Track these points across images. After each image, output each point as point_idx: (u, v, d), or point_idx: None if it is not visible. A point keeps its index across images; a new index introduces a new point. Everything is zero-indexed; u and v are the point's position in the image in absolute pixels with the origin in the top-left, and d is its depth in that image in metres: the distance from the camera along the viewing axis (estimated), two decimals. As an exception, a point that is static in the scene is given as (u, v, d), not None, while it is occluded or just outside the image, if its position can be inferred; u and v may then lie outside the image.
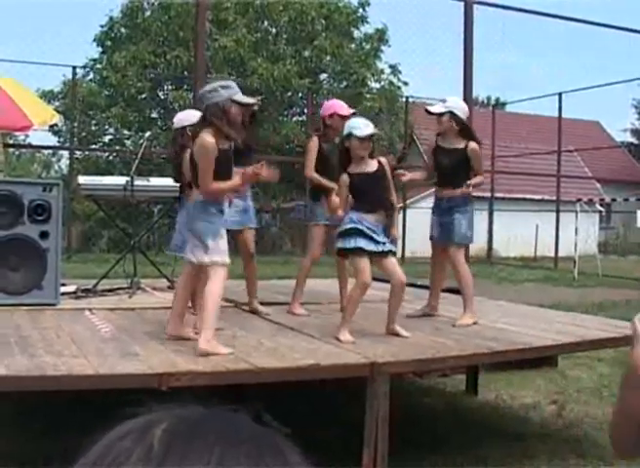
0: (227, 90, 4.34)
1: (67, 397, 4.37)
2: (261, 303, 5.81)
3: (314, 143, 5.96)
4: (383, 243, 4.80)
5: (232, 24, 23.14)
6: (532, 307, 6.91)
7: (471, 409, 5.81)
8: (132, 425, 0.61)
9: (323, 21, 24.45)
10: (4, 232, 5.48)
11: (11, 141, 11.00)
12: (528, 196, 27.55)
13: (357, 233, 4.75)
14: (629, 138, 40.73)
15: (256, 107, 5.56)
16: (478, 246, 17.18)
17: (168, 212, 10.01)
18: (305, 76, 23.98)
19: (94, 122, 24.81)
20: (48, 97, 22.66)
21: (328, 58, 25.00)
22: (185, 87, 23.01)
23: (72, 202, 18.89)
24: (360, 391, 3.99)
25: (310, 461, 0.62)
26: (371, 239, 4.74)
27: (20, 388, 3.67)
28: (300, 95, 24.83)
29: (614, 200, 21.09)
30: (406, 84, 25.72)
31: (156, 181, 7.12)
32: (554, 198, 21.44)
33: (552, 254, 21.29)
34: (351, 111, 5.97)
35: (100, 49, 24.96)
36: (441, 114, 5.54)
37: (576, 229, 16.79)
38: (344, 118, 5.76)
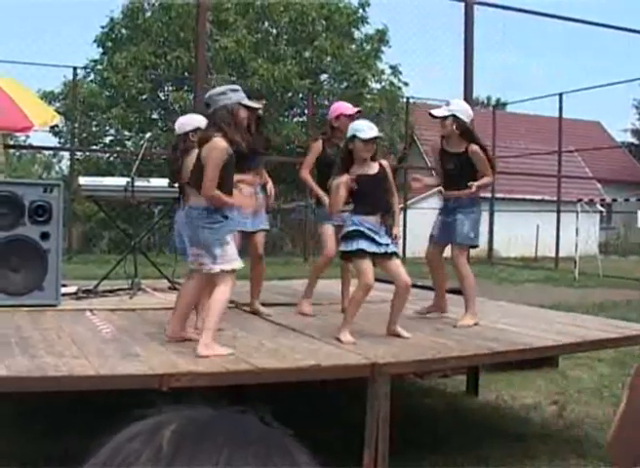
0: (236, 93, 4.36)
1: (68, 398, 4.37)
2: (262, 304, 5.81)
3: (317, 146, 5.97)
4: (386, 244, 4.80)
5: (233, 25, 23.15)
6: (532, 308, 6.91)
7: (472, 409, 5.81)
8: (141, 427, 0.61)
9: (323, 22, 24.46)
10: (5, 233, 5.48)
11: (12, 142, 11.00)
12: (528, 196, 27.55)
13: (358, 235, 4.75)
14: (630, 139, 40.72)
15: (260, 112, 5.58)
16: (479, 246, 17.11)
17: (168, 212, 10.02)
18: (306, 77, 23.98)
19: (94, 123, 24.82)
20: (48, 97, 22.67)
21: (328, 58, 25.01)
22: (186, 88, 23.01)
23: (73, 203, 18.90)
24: (361, 392, 3.99)
25: (318, 462, 0.62)
26: (372, 240, 4.74)
27: (20, 389, 3.67)
28: (300, 95, 24.84)
29: (614, 200, 21.08)
30: (406, 84, 25.75)
31: (157, 182, 7.11)
32: (555, 198, 21.44)
33: (553, 255, 21.29)
34: (357, 109, 6.00)
35: (100, 50, 25.01)
36: (444, 118, 5.52)
37: (576, 229, 16.78)
38: (351, 117, 5.78)
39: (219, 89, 4.50)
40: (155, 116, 25.61)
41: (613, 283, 15.50)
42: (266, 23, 24.94)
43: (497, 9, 9.54)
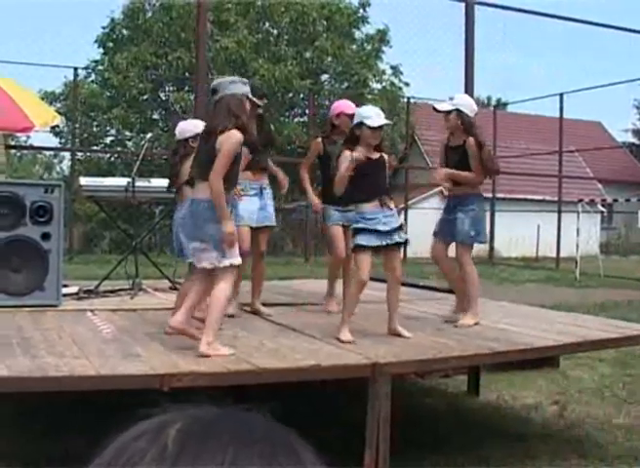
0: (245, 86, 4.37)
1: (69, 398, 4.38)
2: (263, 304, 5.82)
3: (316, 144, 6.01)
4: (390, 234, 4.77)
5: (234, 26, 23.16)
6: (533, 308, 6.90)
7: (473, 409, 5.81)
8: (146, 426, 0.61)
9: (324, 22, 24.49)
10: (6, 233, 5.48)
11: (13, 143, 11.01)
12: (529, 196, 27.56)
13: (358, 231, 4.76)
14: (631, 139, 40.73)
15: (260, 110, 5.59)
16: (479, 246, 17.12)
17: (169, 213, 10.02)
18: (307, 77, 24.00)
19: (95, 123, 24.85)
20: (49, 98, 22.71)
21: (329, 58, 25.03)
22: (187, 88, 23.03)
23: (74, 203, 18.91)
24: (362, 391, 3.99)
25: (323, 460, 0.62)
26: (374, 231, 4.72)
27: (21, 389, 3.67)
28: (301, 96, 24.86)
29: (615, 200, 21.08)
30: (407, 85, 25.78)
31: (157, 182, 7.11)
32: (556, 198, 21.44)
33: (554, 255, 21.28)
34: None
35: (101, 50, 25.03)
36: (448, 112, 5.51)
37: (577, 230, 16.78)
38: (352, 117, 5.79)
39: (229, 78, 4.50)
40: (156, 116, 25.64)
41: (614, 283, 15.50)
42: (267, 24, 24.96)
43: (497, 9, 9.55)
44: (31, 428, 4.78)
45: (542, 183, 25.26)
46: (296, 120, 25.62)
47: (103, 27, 24.67)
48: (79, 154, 23.10)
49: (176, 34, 23.32)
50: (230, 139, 4.12)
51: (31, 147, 21.33)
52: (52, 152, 35.05)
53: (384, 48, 25.58)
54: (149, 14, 24.24)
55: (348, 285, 5.75)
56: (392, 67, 25.69)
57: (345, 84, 25.61)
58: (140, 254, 7.03)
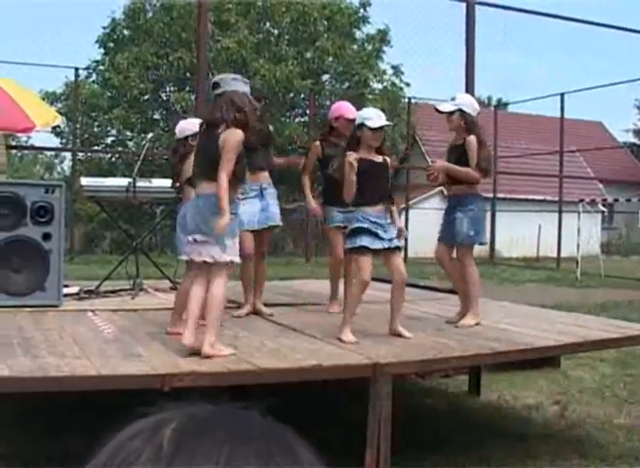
0: (246, 85, 4.37)
1: (69, 398, 4.38)
2: (264, 304, 5.82)
3: (315, 148, 6.00)
4: (390, 239, 4.79)
5: (234, 26, 23.17)
6: (534, 308, 6.90)
7: (474, 409, 5.81)
8: (142, 425, 0.61)
9: (325, 22, 24.49)
10: (6, 234, 5.48)
11: (13, 143, 11.02)
12: (530, 196, 27.56)
13: (362, 232, 4.74)
14: (632, 139, 40.72)
15: (258, 112, 5.57)
16: (480, 246, 17.11)
17: (170, 213, 10.02)
18: (308, 77, 24.00)
19: (96, 123, 24.87)
20: (50, 98, 22.73)
21: (330, 58, 25.03)
22: (188, 88, 23.04)
23: (75, 203, 18.92)
24: (363, 391, 4.00)
25: (321, 458, 0.62)
26: (376, 236, 4.73)
27: (22, 389, 3.67)
28: (302, 96, 24.86)
29: (616, 200, 21.08)
30: (408, 85, 25.78)
31: (158, 183, 7.12)
32: (557, 198, 21.43)
33: (555, 255, 21.28)
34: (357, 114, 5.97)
35: (102, 50, 25.02)
36: (451, 112, 5.50)
37: (578, 230, 16.78)
38: (351, 121, 5.78)
39: (232, 75, 4.51)
40: (157, 117, 25.64)
41: (614, 283, 15.50)
42: (268, 24, 24.97)
43: (498, 9, 9.55)
44: (31, 428, 4.79)
45: (543, 183, 25.27)
46: (296, 120, 25.62)
47: (104, 27, 24.69)
48: (80, 154, 23.11)
49: (176, 34, 23.32)
50: (233, 136, 4.11)
51: (32, 147, 21.33)
52: (53, 152, 35.07)
53: (385, 48, 25.61)
54: (150, 14, 24.24)
55: (349, 285, 5.75)
56: (393, 67, 25.72)
57: (346, 84, 25.61)
58: (141, 255, 7.04)
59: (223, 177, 4.05)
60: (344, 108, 6.00)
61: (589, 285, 15.38)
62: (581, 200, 17.70)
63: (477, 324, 5.32)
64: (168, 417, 0.61)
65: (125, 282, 6.74)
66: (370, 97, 24.62)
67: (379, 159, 4.92)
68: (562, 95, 20.35)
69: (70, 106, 21.58)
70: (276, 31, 25.13)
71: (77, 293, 6.27)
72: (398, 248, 4.90)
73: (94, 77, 25.24)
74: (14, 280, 5.51)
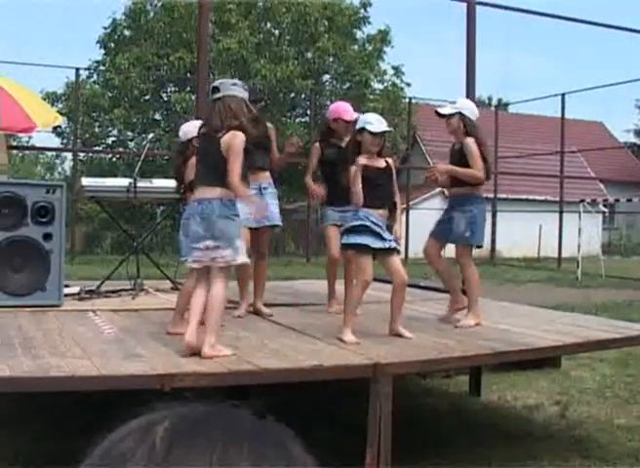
0: (245, 92, 4.40)
1: (70, 398, 4.38)
2: (265, 304, 5.82)
3: (315, 149, 5.98)
4: (389, 240, 4.81)
5: (235, 26, 23.19)
6: (534, 308, 6.90)
7: (474, 409, 5.81)
8: (134, 425, 0.61)
9: (326, 23, 24.51)
10: (7, 234, 5.49)
11: (14, 143, 11.02)
12: (531, 197, 27.56)
13: (364, 230, 4.75)
14: (632, 139, 40.73)
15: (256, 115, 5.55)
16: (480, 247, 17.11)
17: (171, 213, 10.04)
18: (308, 77, 24.02)
19: (97, 124, 24.90)
20: (51, 98, 22.77)
21: (331, 59, 25.06)
22: (188, 89, 23.05)
23: (76, 204, 18.93)
24: (364, 391, 4.00)
25: (314, 455, 0.62)
26: (378, 235, 4.74)
27: (23, 389, 3.68)
28: (303, 96, 24.89)
29: (617, 201, 21.08)
30: (409, 85, 25.81)
31: (159, 183, 7.13)
32: (557, 199, 21.44)
33: (555, 255, 21.29)
34: (355, 116, 5.95)
35: (103, 51, 25.04)
36: (451, 115, 5.52)
37: (579, 230, 16.78)
38: (349, 123, 5.78)
39: (231, 80, 4.54)
40: (158, 117, 25.67)
41: (615, 283, 15.50)
42: (269, 24, 24.99)
43: (499, 9, 9.54)
44: (33, 428, 4.79)
45: (544, 184, 25.28)
46: (297, 120, 25.63)
47: (105, 28, 24.72)
48: (81, 154, 23.14)
49: (177, 35, 23.34)
50: (236, 139, 4.16)
51: (33, 148, 21.35)
52: (53, 153, 35.12)
53: (386, 48, 25.63)
54: (151, 14, 24.26)
55: (349, 285, 5.74)
56: (394, 68, 25.74)
57: (347, 84, 25.63)
58: (142, 255, 7.04)
59: (237, 182, 4.12)
60: (342, 110, 5.99)
61: (590, 285, 15.38)
62: (582, 200, 17.70)
63: (477, 324, 5.33)
64: (160, 417, 0.61)
65: (126, 282, 6.74)
66: (370, 97, 24.64)
67: (382, 164, 4.93)
68: (563, 95, 20.36)
69: (71, 107, 21.59)
70: (277, 32, 25.15)
71: (78, 294, 6.27)
72: (396, 249, 4.91)
73: (95, 77, 25.28)
74: (14, 280, 5.52)
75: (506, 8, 9.59)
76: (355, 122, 5.85)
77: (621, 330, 5.33)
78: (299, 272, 13.83)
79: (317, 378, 4.08)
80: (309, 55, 24.83)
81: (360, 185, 4.78)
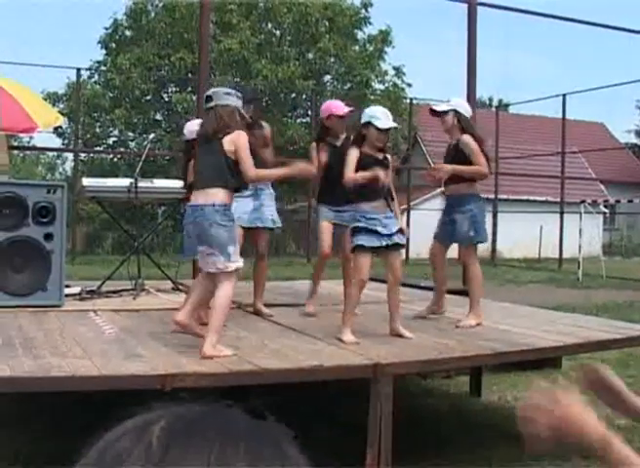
0: (239, 100, 4.45)
1: (70, 398, 4.38)
2: (265, 305, 5.82)
3: (313, 149, 5.93)
4: (390, 235, 4.78)
5: (236, 26, 23.19)
6: (535, 309, 6.90)
7: (475, 410, 5.81)
8: (129, 424, 0.61)
9: (326, 23, 24.51)
10: (8, 234, 5.49)
11: (15, 143, 11.03)
12: (532, 197, 27.56)
13: (359, 231, 4.76)
14: (633, 140, 40.71)
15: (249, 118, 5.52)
16: (482, 247, 17.12)
17: (172, 213, 10.03)
18: (309, 78, 24.02)
19: (98, 124, 24.90)
20: (52, 98, 22.76)
21: (332, 59, 25.07)
22: (189, 89, 23.06)
23: (77, 204, 18.93)
24: (364, 391, 4.00)
25: (307, 455, 0.62)
26: (374, 233, 4.73)
27: (24, 389, 3.68)
28: (304, 96, 24.89)
29: (618, 201, 21.09)
30: (410, 85, 25.82)
31: (160, 183, 7.14)
32: (558, 199, 21.44)
33: (556, 256, 21.28)
34: (347, 110, 5.95)
35: (104, 51, 25.05)
36: (446, 112, 5.53)
37: (580, 231, 16.77)
38: (342, 118, 5.80)
39: (225, 89, 4.57)
40: (159, 117, 25.68)
41: (616, 284, 15.49)
42: (270, 25, 24.99)
43: (500, 9, 9.54)
44: (34, 428, 4.79)
45: (545, 184, 25.27)
46: (298, 121, 25.63)
47: (106, 28, 24.72)
48: (82, 155, 23.15)
49: (178, 35, 23.35)
50: (242, 137, 4.25)
51: (34, 148, 21.37)
52: (54, 153, 35.13)
53: (387, 48, 25.63)
54: (152, 14, 24.27)
55: (349, 285, 5.74)
56: (395, 68, 25.74)
57: (348, 85, 25.63)
58: (143, 255, 7.04)
59: (254, 174, 4.31)
60: (333, 106, 5.96)
61: (591, 286, 15.37)
62: (583, 201, 17.69)
63: (478, 324, 5.33)
64: (155, 417, 0.61)
65: (126, 282, 6.74)
66: (371, 97, 24.63)
67: (380, 156, 4.93)
68: (564, 96, 20.37)
69: (72, 107, 21.59)
70: (278, 32, 25.15)
71: (79, 294, 6.27)
72: (398, 245, 4.89)
73: (96, 77, 25.28)
74: (15, 280, 5.52)
75: (506, 8, 9.59)
76: (347, 116, 5.89)
77: (622, 330, 5.34)
78: (299, 272, 13.81)
79: (317, 378, 4.09)
80: (310, 55, 24.83)
81: (352, 170, 4.78)
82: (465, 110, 5.57)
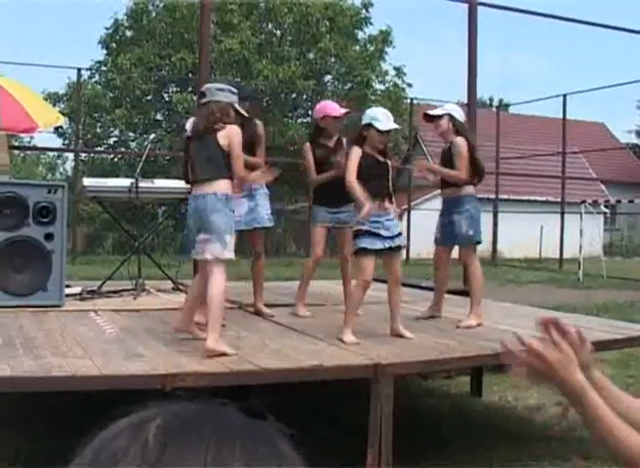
0: (233, 96, 4.49)
1: (70, 397, 4.38)
2: (266, 305, 5.82)
3: (306, 150, 5.87)
4: (392, 237, 4.79)
5: (237, 27, 23.19)
6: (536, 309, 6.90)
7: (475, 410, 5.81)
8: (125, 423, 0.61)
9: (327, 23, 24.50)
10: (9, 234, 5.49)
11: (16, 143, 11.03)
12: (532, 198, 27.56)
13: (362, 234, 4.76)
14: (634, 140, 40.70)
15: (245, 114, 5.51)
16: (482, 247, 17.15)
17: (172, 213, 10.05)
18: (310, 78, 24.02)
19: (98, 124, 24.90)
20: (53, 98, 22.76)
21: (332, 59, 25.06)
22: (190, 89, 23.05)
23: (77, 204, 18.94)
24: (364, 391, 4.00)
25: (302, 452, 0.62)
26: (377, 236, 4.74)
27: (24, 389, 3.68)
28: (304, 96, 24.88)
29: (618, 201, 21.10)
30: (410, 85, 25.81)
31: (161, 183, 7.14)
32: (559, 199, 21.44)
33: (557, 256, 21.27)
34: (343, 111, 5.94)
35: (104, 51, 25.04)
36: (440, 116, 5.56)
37: (580, 231, 16.77)
38: (337, 119, 5.79)
39: (219, 85, 4.61)
40: (159, 117, 25.68)
41: (617, 284, 15.49)
42: (270, 25, 24.98)
43: (500, 10, 9.54)
44: (34, 428, 4.79)
45: (546, 184, 25.27)
46: (299, 121, 25.62)
47: (107, 28, 24.71)
48: (82, 155, 23.16)
49: (179, 35, 23.34)
50: (235, 134, 4.30)
51: (35, 148, 21.37)
52: (55, 153, 35.14)
53: (387, 49, 25.62)
54: (153, 15, 24.27)
55: (348, 286, 5.75)
56: (395, 68, 25.74)
57: (348, 85, 25.62)
58: (143, 255, 7.04)
59: (244, 175, 4.44)
60: (329, 107, 5.92)
61: (591, 286, 15.36)
62: (584, 201, 17.69)
63: (479, 324, 5.33)
64: (151, 415, 0.61)
65: (127, 282, 6.74)
66: (372, 97, 24.62)
67: (381, 158, 4.93)
68: (564, 96, 20.36)
69: (73, 107, 21.59)
70: (279, 32, 25.15)
71: (79, 294, 6.28)
72: (400, 247, 4.91)
73: (96, 78, 25.27)
74: (16, 280, 5.52)
75: (507, 8, 9.58)
76: (342, 118, 5.89)
77: (623, 330, 5.34)
78: (300, 273, 13.81)
79: (318, 378, 4.09)
80: (311, 55, 24.83)
81: (355, 168, 4.78)
82: (460, 115, 5.60)
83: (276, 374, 3.82)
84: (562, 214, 20.83)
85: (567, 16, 10.55)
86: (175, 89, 24.82)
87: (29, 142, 19.78)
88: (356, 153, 4.85)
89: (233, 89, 4.56)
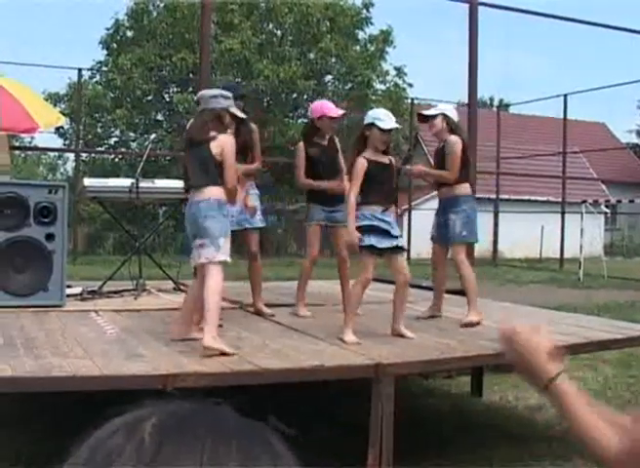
0: (227, 100, 4.53)
1: (71, 397, 4.38)
2: (266, 305, 5.82)
3: (299, 150, 5.85)
4: (396, 237, 4.81)
5: (238, 27, 23.18)
6: (536, 309, 6.90)
7: (476, 410, 5.81)
8: (120, 422, 0.61)
9: (328, 23, 24.49)
10: (10, 234, 5.50)
11: (17, 144, 11.04)
12: (533, 197, 27.55)
13: (369, 230, 4.75)
14: (635, 140, 40.70)
15: (242, 115, 5.50)
16: (483, 247, 17.20)
17: (173, 213, 10.05)
18: (311, 78, 24.01)
19: (99, 124, 24.91)
20: (54, 99, 22.77)
21: (333, 59, 25.05)
22: (191, 89, 23.05)
23: (78, 204, 18.94)
24: (364, 391, 4.00)
25: (295, 452, 0.62)
26: (385, 233, 4.74)
27: (25, 389, 3.68)
28: (305, 96, 24.87)
29: (619, 201, 21.08)
30: (411, 85, 25.81)
31: (161, 183, 7.14)
32: (559, 199, 21.43)
33: (557, 256, 21.26)
34: (341, 112, 5.94)
35: (105, 51, 25.04)
36: (434, 116, 5.58)
37: (581, 231, 16.77)
38: (334, 120, 5.79)
39: (212, 91, 4.66)
40: (160, 117, 25.69)
41: (617, 284, 15.48)
42: (271, 25, 24.98)
43: (501, 10, 9.54)
44: (33, 428, 4.79)
45: (546, 184, 25.26)
46: (300, 121, 25.61)
47: (108, 29, 24.71)
48: (83, 155, 23.17)
49: (180, 35, 23.34)
50: (228, 145, 4.39)
51: (35, 148, 21.38)
52: (56, 153, 35.12)
53: (388, 49, 25.61)
54: (153, 15, 24.27)
55: (346, 286, 5.74)
56: (396, 68, 25.74)
57: (349, 85, 25.62)
58: (144, 255, 7.04)
59: (233, 185, 4.42)
60: (326, 107, 5.88)
61: (592, 286, 15.36)
62: (584, 201, 17.68)
63: (479, 321, 5.33)
64: (146, 414, 0.61)
65: (128, 282, 6.74)
66: (373, 97, 24.62)
67: (385, 160, 4.94)
68: (565, 96, 20.35)
69: (73, 107, 21.60)
70: (279, 32, 25.14)
71: (80, 294, 6.28)
72: (402, 248, 4.93)
73: (97, 78, 25.27)
74: (17, 280, 5.52)
75: (507, 8, 9.59)
76: (339, 119, 5.90)
77: (624, 330, 5.33)
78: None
79: (319, 378, 4.09)
80: (312, 55, 24.82)
81: (361, 179, 4.79)
82: (453, 115, 5.63)
83: (277, 375, 3.82)
84: (562, 213, 20.82)
85: (568, 16, 10.57)
86: (175, 89, 24.83)
87: (30, 143, 19.80)
88: (361, 166, 4.83)
89: (226, 93, 4.59)
